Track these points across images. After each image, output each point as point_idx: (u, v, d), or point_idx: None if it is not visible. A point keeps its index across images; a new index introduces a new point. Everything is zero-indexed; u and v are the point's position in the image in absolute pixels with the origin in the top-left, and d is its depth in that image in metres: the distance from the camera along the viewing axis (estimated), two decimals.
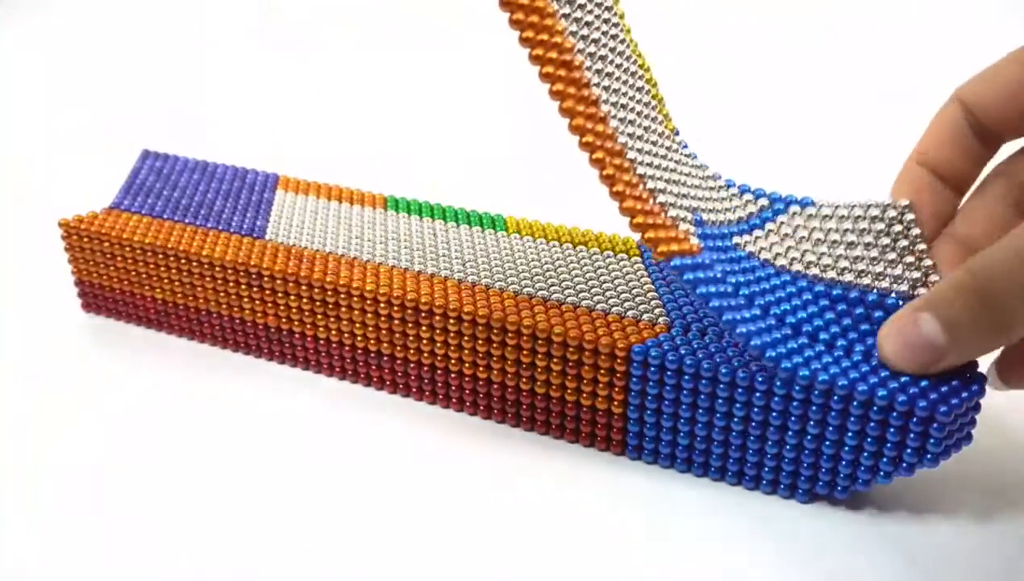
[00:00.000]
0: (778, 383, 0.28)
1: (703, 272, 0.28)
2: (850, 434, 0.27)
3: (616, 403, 0.31)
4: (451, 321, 0.32)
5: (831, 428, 0.28)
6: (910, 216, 0.29)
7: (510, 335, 0.31)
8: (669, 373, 0.29)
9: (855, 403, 0.27)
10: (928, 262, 0.29)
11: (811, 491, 0.29)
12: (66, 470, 0.31)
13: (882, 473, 0.28)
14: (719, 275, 0.29)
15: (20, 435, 0.33)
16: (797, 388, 0.27)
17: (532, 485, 0.31)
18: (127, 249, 0.36)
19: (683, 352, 0.29)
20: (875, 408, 0.27)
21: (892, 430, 0.27)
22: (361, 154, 0.57)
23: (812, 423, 0.28)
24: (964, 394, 0.26)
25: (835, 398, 0.27)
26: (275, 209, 0.38)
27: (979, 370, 0.27)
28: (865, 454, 0.28)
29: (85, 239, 0.37)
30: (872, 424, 0.27)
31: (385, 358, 0.34)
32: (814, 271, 0.30)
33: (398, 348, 0.33)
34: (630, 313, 0.31)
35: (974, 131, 0.30)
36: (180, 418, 0.34)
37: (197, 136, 0.58)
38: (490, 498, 0.30)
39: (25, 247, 0.45)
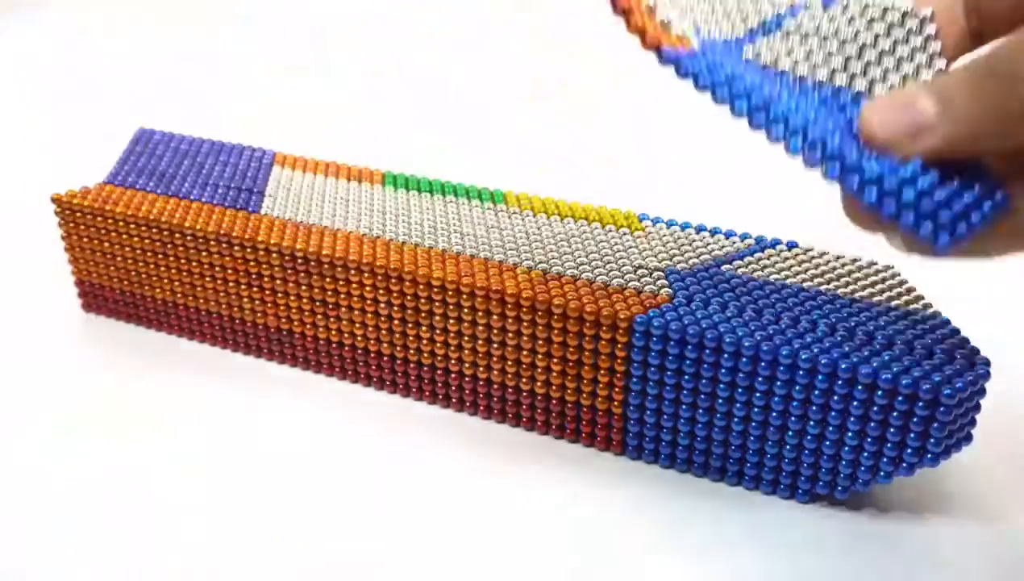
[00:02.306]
0: (781, 369, 0.27)
1: (701, 62, 0.24)
2: (852, 419, 0.27)
3: (616, 394, 0.30)
4: (449, 293, 0.31)
5: (833, 413, 0.27)
6: (931, 28, 0.27)
7: (509, 307, 0.30)
8: (672, 343, 0.28)
9: (859, 386, 0.26)
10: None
11: (811, 491, 0.29)
12: (67, 469, 0.31)
13: (882, 473, 0.28)
14: (722, 63, 0.25)
15: (21, 434, 0.33)
16: (800, 372, 0.27)
17: (532, 485, 0.31)
18: (120, 223, 0.36)
19: (686, 322, 0.28)
20: (879, 392, 0.26)
21: (896, 414, 0.26)
22: (360, 132, 0.57)
23: (814, 407, 0.27)
24: (969, 376, 0.26)
25: (839, 382, 0.27)
26: (271, 184, 0.37)
27: (982, 355, 0.27)
28: (865, 454, 0.27)
29: (78, 214, 0.37)
30: (875, 408, 0.26)
31: (385, 357, 0.34)
32: (818, 71, 0.27)
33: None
34: (632, 285, 0.31)
35: (967, 17, 0.27)
36: (180, 418, 0.33)
37: (195, 116, 0.57)
38: (489, 497, 0.30)
39: (25, 247, 0.45)
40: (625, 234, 0.34)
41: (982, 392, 0.27)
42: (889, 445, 0.27)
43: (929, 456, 0.27)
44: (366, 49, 0.72)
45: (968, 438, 0.27)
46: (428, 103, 0.62)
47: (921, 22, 0.27)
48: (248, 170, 0.39)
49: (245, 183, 0.37)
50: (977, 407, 0.27)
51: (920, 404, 0.26)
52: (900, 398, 0.26)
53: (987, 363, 0.27)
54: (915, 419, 0.26)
